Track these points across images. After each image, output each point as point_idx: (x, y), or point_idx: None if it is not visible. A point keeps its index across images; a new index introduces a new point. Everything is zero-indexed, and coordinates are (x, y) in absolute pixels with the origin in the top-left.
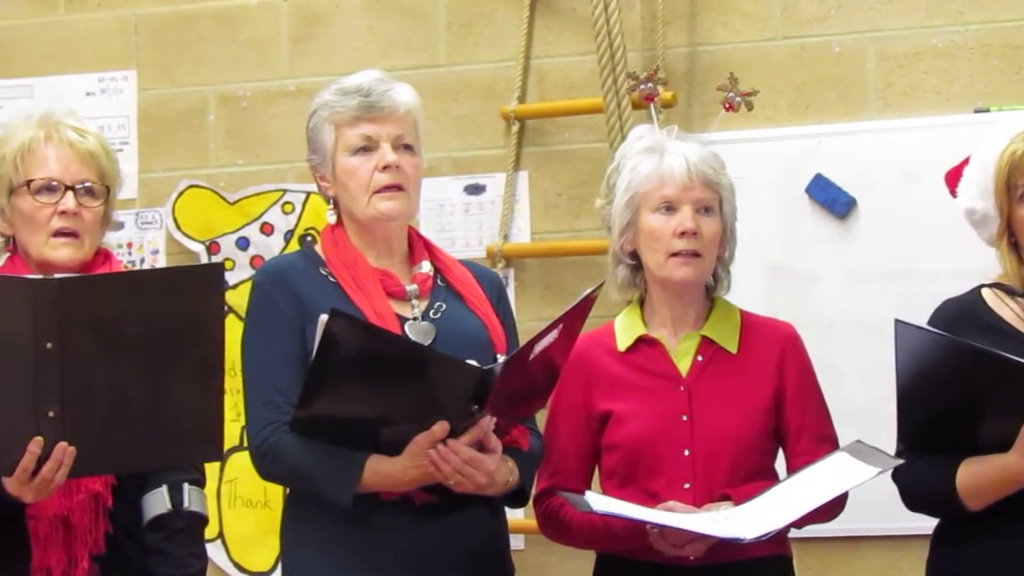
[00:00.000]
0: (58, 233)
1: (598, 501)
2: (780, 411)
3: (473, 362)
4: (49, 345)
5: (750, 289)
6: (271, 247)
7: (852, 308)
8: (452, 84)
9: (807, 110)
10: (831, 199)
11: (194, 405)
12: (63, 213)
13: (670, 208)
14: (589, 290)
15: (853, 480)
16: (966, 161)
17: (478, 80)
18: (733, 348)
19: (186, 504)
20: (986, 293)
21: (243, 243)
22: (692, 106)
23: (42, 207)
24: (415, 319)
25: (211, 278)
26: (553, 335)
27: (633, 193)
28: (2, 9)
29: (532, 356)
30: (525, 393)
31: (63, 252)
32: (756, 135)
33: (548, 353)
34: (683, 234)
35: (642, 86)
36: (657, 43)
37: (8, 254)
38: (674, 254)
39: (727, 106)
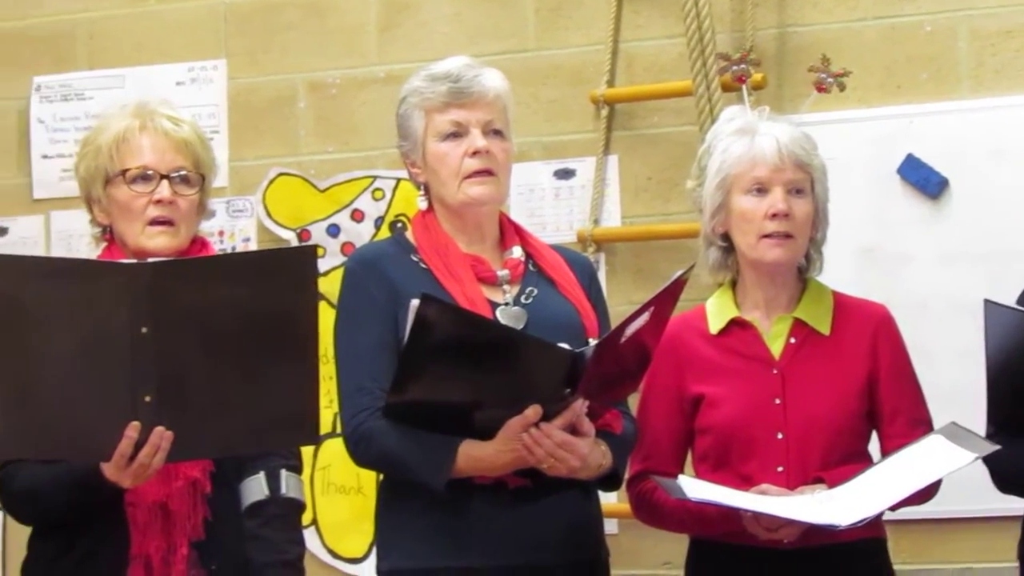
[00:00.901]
0: (154, 222)
1: (691, 487)
2: (874, 393)
3: (565, 346)
4: (144, 330)
5: (842, 271)
6: (361, 234)
7: (944, 289)
8: (541, 69)
9: (898, 90)
10: (923, 179)
11: (289, 387)
12: (158, 202)
13: (761, 190)
14: (680, 272)
15: (949, 466)
16: None
17: (567, 64)
18: (826, 330)
19: (283, 490)
20: None
21: (334, 230)
22: (782, 87)
23: (137, 196)
24: (507, 304)
25: (304, 260)
26: (644, 318)
27: (725, 175)
28: (93, 0)
29: (623, 339)
30: (617, 376)
31: (159, 240)
32: (847, 116)
33: (639, 336)
34: (775, 216)
35: (734, 67)
36: (746, 24)
37: (105, 243)
38: (766, 235)
39: (819, 87)
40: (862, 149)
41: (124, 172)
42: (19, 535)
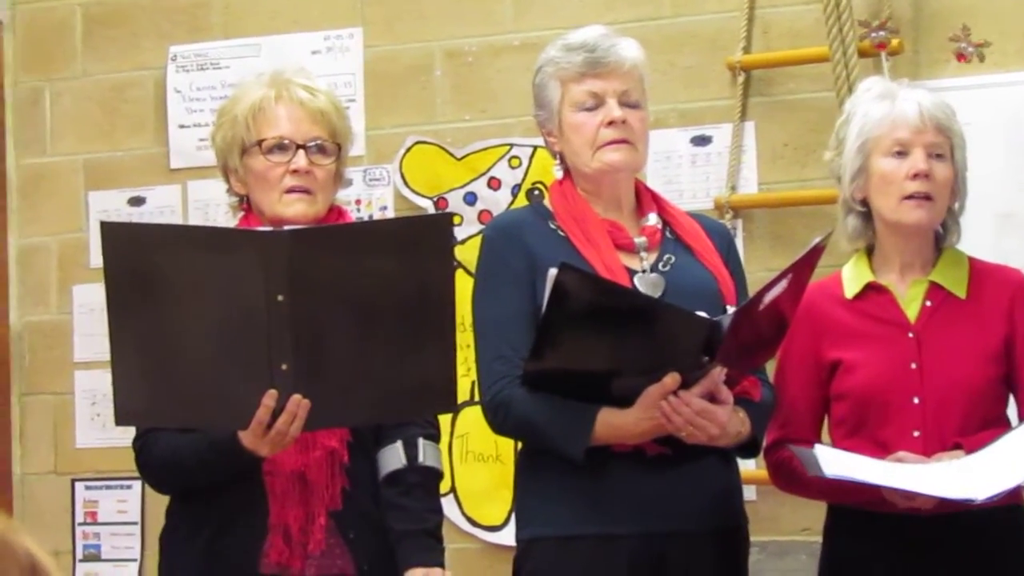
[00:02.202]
0: (291, 190)
1: (828, 461)
2: (1011, 358)
3: (703, 314)
4: (280, 298)
5: (978, 237)
6: (499, 202)
7: None
8: (676, 36)
9: None
10: None
11: (427, 355)
12: (295, 171)
13: (902, 152)
14: (818, 239)
15: None
16: None
17: (703, 31)
18: (962, 293)
19: (421, 459)
20: None
21: (471, 198)
22: (919, 53)
23: (274, 166)
24: (644, 271)
25: (441, 228)
26: (782, 285)
27: (865, 139)
28: None
29: (761, 306)
30: (755, 343)
31: (297, 208)
32: (984, 81)
33: (777, 303)
34: (916, 176)
35: (872, 34)
36: None
37: (243, 213)
38: (907, 197)
39: (959, 57)
40: (999, 115)
41: (260, 142)
42: (158, 505)
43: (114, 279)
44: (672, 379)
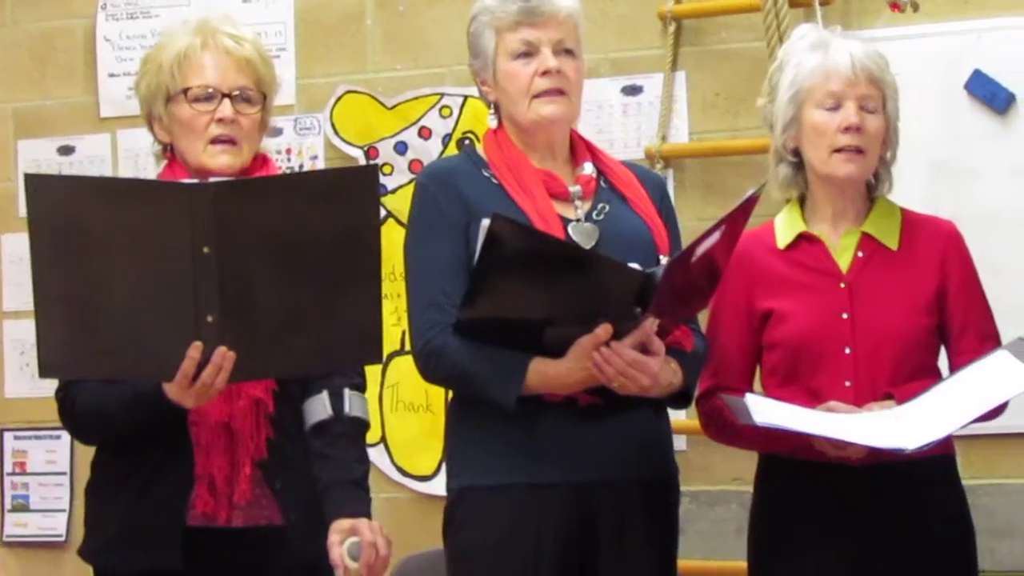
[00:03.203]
0: (216, 140)
1: (759, 409)
2: (943, 308)
3: (636, 266)
4: (206, 250)
5: (911, 185)
6: (429, 151)
7: (1013, 203)
8: None
9: (965, 5)
10: (990, 94)
11: (353, 307)
12: (220, 120)
13: (834, 105)
14: (752, 191)
15: (1016, 386)
16: None
17: None
18: (894, 245)
19: (347, 409)
20: None
21: (401, 147)
22: (849, 3)
23: (199, 115)
24: (578, 220)
25: (367, 180)
26: (715, 236)
27: (797, 89)
28: None
29: (695, 258)
30: (688, 293)
31: (222, 159)
32: (914, 31)
33: (710, 254)
34: (847, 129)
35: None
36: None
37: (166, 161)
38: (838, 150)
39: (893, 6)
40: (929, 65)
41: (186, 91)
42: (88, 455)
43: (39, 231)
44: (604, 330)
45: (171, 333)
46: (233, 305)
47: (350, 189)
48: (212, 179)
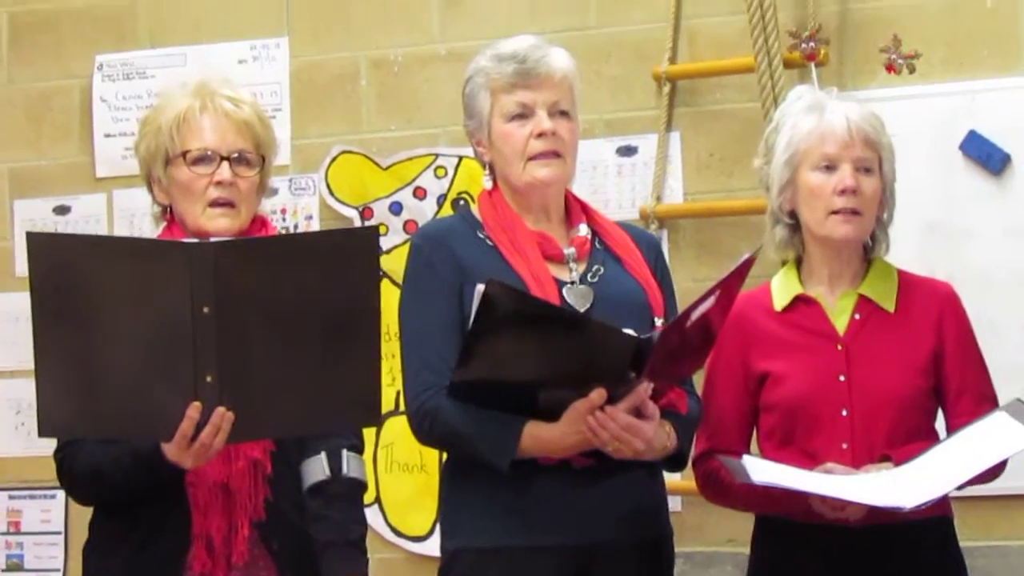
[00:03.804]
0: (214, 203)
1: (757, 469)
2: (939, 371)
3: (631, 331)
4: (206, 310)
5: (905, 245)
6: (424, 211)
7: (1008, 264)
8: (603, 46)
9: (960, 66)
10: (985, 155)
11: (351, 369)
12: (219, 183)
13: (830, 166)
14: (748, 254)
15: (1013, 446)
16: None
17: (629, 41)
18: (891, 307)
19: (345, 470)
20: None
21: (396, 208)
22: (844, 64)
23: (198, 177)
24: (573, 283)
25: (367, 241)
26: (711, 300)
27: (793, 151)
28: None
29: (690, 323)
30: (682, 356)
31: (220, 223)
32: (909, 92)
33: (706, 317)
34: (843, 191)
35: (803, 45)
36: (808, 1)
37: (165, 223)
38: (834, 212)
39: (889, 68)
40: (925, 125)
41: (185, 153)
42: (82, 515)
43: (39, 290)
44: (599, 395)
45: (170, 393)
46: (232, 365)
47: (350, 251)
48: (212, 239)
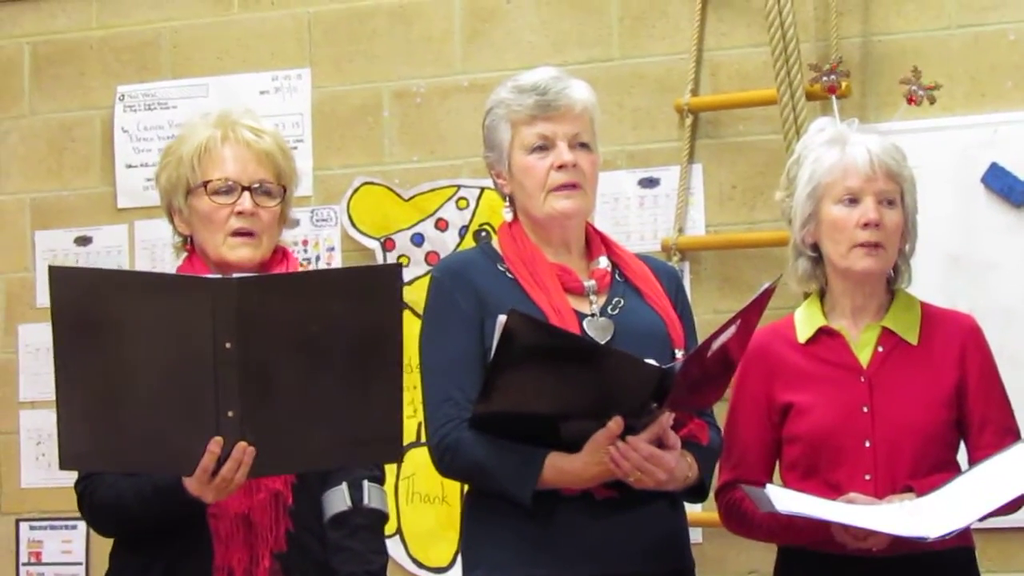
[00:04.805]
0: (236, 233)
1: (780, 499)
2: (962, 403)
3: (652, 361)
4: (228, 345)
5: (927, 278)
6: (446, 243)
7: None
8: (625, 78)
9: (983, 99)
10: (1007, 188)
11: (374, 405)
12: (240, 213)
13: (853, 199)
14: (767, 284)
15: None
16: None
17: (651, 73)
18: (914, 339)
19: (366, 501)
20: None
21: (418, 239)
22: (866, 96)
23: (219, 208)
24: (593, 315)
25: (390, 278)
26: (731, 330)
27: (816, 184)
28: (177, 9)
29: (710, 352)
30: (702, 386)
31: (241, 252)
32: (932, 124)
33: (726, 347)
34: (866, 225)
35: (824, 78)
36: (830, 33)
37: (186, 254)
38: (857, 245)
39: (910, 99)
40: (946, 158)
41: (206, 183)
42: (103, 546)
43: (62, 323)
44: (616, 423)
45: (192, 427)
46: (254, 400)
47: (374, 287)
48: (235, 275)
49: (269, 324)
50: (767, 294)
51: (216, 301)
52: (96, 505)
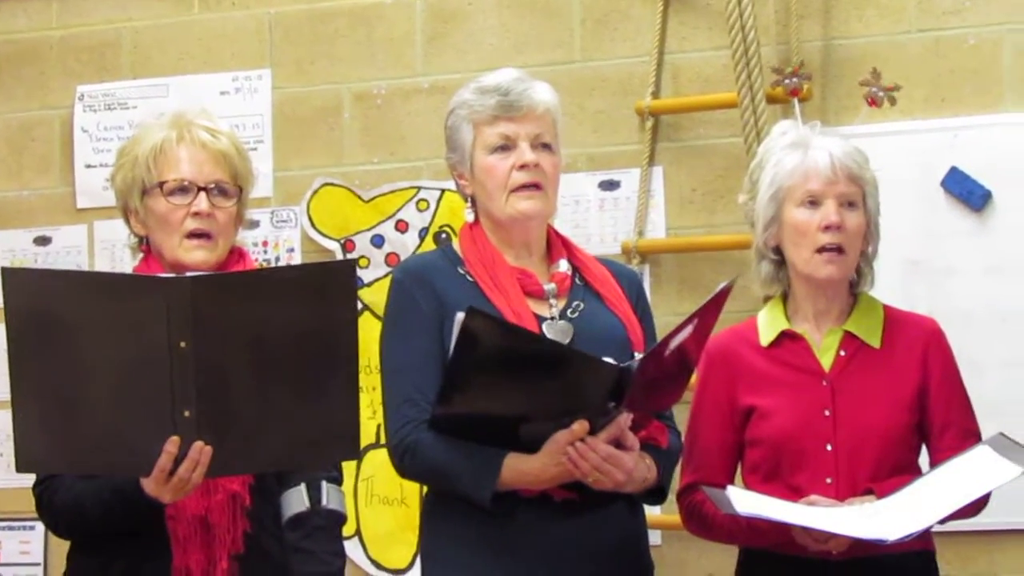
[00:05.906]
0: (192, 235)
1: (741, 501)
2: (924, 406)
3: (611, 360)
4: (183, 344)
5: (887, 282)
6: (406, 244)
7: (990, 301)
8: (587, 80)
9: (943, 103)
10: (967, 192)
11: (331, 404)
12: (196, 214)
13: (814, 202)
14: (725, 283)
15: (996, 480)
16: None
17: (613, 76)
18: (876, 343)
19: (324, 502)
20: None
21: (378, 240)
22: (827, 99)
23: (175, 209)
24: (553, 318)
25: (345, 275)
26: (688, 330)
27: (777, 187)
28: (137, 9)
29: (668, 352)
30: (660, 387)
31: (197, 255)
32: (891, 128)
33: (683, 347)
34: (828, 228)
35: (787, 81)
36: (791, 37)
37: (142, 255)
38: (819, 249)
39: (870, 101)
40: (906, 162)
41: (161, 184)
42: (62, 547)
43: (15, 325)
44: (580, 426)
45: (148, 428)
46: (210, 400)
47: (328, 285)
48: (189, 274)
49: (224, 323)
50: (724, 293)
51: (170, 300)
52: (55, 509)
